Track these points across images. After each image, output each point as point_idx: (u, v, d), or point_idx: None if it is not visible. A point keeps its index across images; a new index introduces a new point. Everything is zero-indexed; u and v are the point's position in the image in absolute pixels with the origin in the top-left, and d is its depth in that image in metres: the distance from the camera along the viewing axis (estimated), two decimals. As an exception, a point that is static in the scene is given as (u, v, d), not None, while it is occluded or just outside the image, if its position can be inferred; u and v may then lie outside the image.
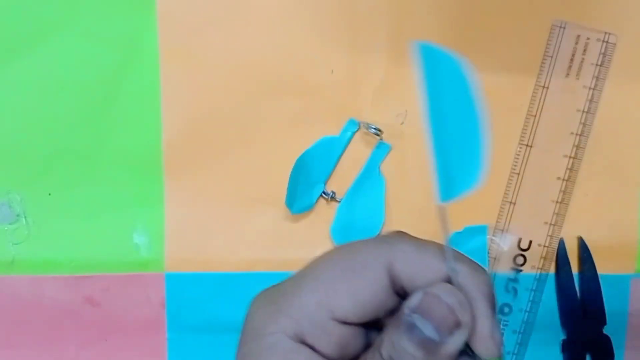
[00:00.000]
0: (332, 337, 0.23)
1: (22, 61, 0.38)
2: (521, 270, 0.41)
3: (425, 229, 0.40)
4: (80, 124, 0.39)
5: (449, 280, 0.23)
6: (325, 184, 0.40)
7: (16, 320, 0.40)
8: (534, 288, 0.41)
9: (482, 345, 0.22)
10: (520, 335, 0.42)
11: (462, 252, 0.24)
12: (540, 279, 0.41)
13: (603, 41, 0.39)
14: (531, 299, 0.41)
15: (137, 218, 0.39)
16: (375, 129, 0.39)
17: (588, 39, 0.39)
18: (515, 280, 0.41)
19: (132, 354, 0.40)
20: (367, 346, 0.25)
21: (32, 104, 0.39)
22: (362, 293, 0.23)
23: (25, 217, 0.39)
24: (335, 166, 0.40)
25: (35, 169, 0.39)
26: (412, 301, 0.22)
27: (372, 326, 0.25)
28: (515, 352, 0.42)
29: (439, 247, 0.24)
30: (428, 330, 0.22)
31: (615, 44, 0.39)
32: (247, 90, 0.39)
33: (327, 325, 0.23)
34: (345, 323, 0.24)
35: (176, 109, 0.39)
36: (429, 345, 0.22)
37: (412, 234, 0.40)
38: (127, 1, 0.38)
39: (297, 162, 0.39)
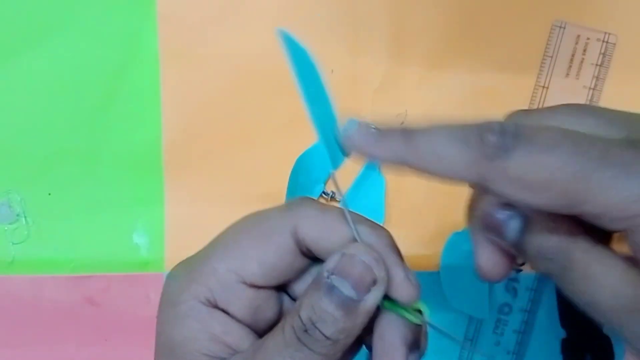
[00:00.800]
0: (243, 301, 0.25)
1: (22, 61, 0.38)
2: (521, 270, 0.41)
3: (426, 228, 0.41)
4: (81, 124, 0.39)
5: (351, 241, 0.24)
6: (325, 184, 0.40)
7: (16, 320, 0.40)
8: (534, 288, 0.41)
9: (401, 292, 0.24)
10: (520, 335, 0.42)
11: (360, 214, 0.26)
12: (541, 279, 0.41)
13: (603, 41, 0.39)
14: (531, 298, 0.41)
15: (137, 218, 0.40)
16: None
17: (588, 39, 0.39)
18: (515, 280, 0.41)
19: (132, 353, 0.40)
20: (282, 310, 0.26)
21: (33, 104, 0.39)
22: (269, 257, 0.25)
23: (25, 217, 0.39)
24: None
25: (35, 169, 0.39)
26: (330, 263, 0.23)
27: (284, 290, 0.27)
28: (516, 351, 0.42)
29: (340, 210, 0.25)
30: (347, 290, 0.22)
31: (615, 44, 0.39)
32: (247, 90, 0.39)
33: (237, 289, 0.24)
34: (255, 287, 0.25)
35: (176, 109, 0.39)
36: (348, 304, 0.22)
37: (412, 233, 0.41)
38: (127, 1, 0.38)
39: (297, 162, 0.39)
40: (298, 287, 0.27)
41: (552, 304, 0.42)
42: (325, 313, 0.22)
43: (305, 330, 0.22)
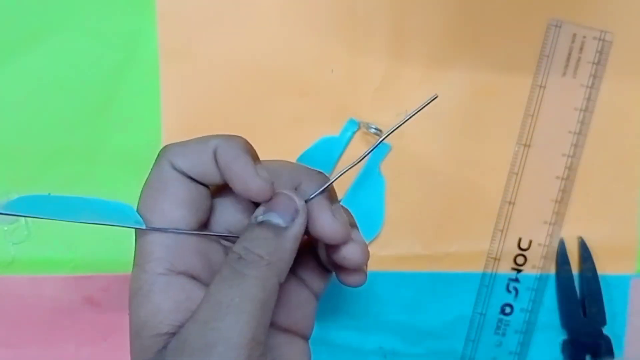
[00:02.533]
0: (195, 254, 0.27)
1: (22, 60, 0.38)
2: (522, 270, 0.41)
3: (425, 228, 0.41)
4: (80, 124, 0.39)
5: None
6: (325, 184, 0.40)
7: (16, 320, 0.39)
8: (534, 287, 0.41)
9: (325, 231, 0.26)
10: (522, 335, 0.41)
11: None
12: (541, 279, 0.41)
13: (599, 39, 0.40)
14: (532, 298, 0.41)
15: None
16: (375, 129, 0.39)
17: (584, 37, 0.40)
18: (516, 280, 0.41)
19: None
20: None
21: (32, 104, 0.39)
22: (198, 206, 0.27)
23: (25, 217, 0.39)
24: (335, 166, 0.40)
25: (35, 169, 0.39)
26: (258, 210, 0.26)
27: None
28: (518, 351, 0.42)
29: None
30: (275, 219, 0.26)
31: (611, 41, 0.40)
32: (247, 90, 0.39)
33: (185, 244, 0.27)
34: (200, 226, 0.27)
35: (176, 109, 0.39)
36: (277, 229, 0.26)
37: (412, 233, 0.41)
38: (127, 1, 0.38)
39: (297, 161, 0.39)
40: None
41: (553, 304, 0.42)
42: (257, 238, 0.25)
43: (240, 257, 0.25)
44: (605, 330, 0.41)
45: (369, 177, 0.40)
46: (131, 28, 0.39)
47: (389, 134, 0.29)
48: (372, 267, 0.40)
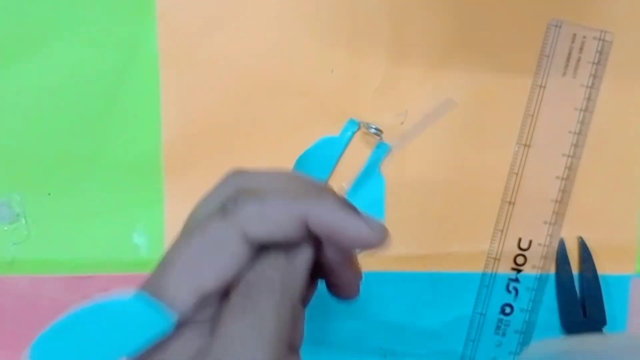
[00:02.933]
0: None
1: (23, 64, 0.38)
2: (521, 270, 0.41)
3: (425, 228, 0.41)
4: (81, 125, 0.39)
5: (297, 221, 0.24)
6: (325, 183, 0.40)
7: (16, 320, 0.39)
8: (534, 287, 0.41)
9: (362, 237, 0.24)
10: (522, 335, 0.41)
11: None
12: (541, 279, 0.41)
13: (599, 39, 0.40)
14: (532, 298, 0.41)
15: (137, 218, 0.39)
16: (375, 129, 0.39)
17: (584, 37, 0.40)
18: (516, 280, 0.41)
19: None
20: None
21: (33, 106, 0.39)
22: (226, 268, 0.24)
23: (25, 217, 0.39)
24: (335, 166, 0.40)
25: (35, 170, 0.39)
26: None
27: None
28: (518, 352, 0.42)
29: (281, 196, 0.25)
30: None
31: (611, 41, 0.40)
32: (246, 91, 0.39)
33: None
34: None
35: (176, 111, 0.39)
36: (288, 251, 0.24)
37: (412, 233, 0.41)
38: (127, 5, 0.38)
39: (297, 162, 0.39)
40: None
41: (553, 304, 0.42)
42: (269, 260, 0.23)
43: (250, 283, 0.23)
44: (605, 330, 0.41)
45: (369, 177, 0.40)
46: (131, 32, 0.39)
47: (406, 141, 0.28)
48: (372, 267, 0.40)
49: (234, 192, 0.25)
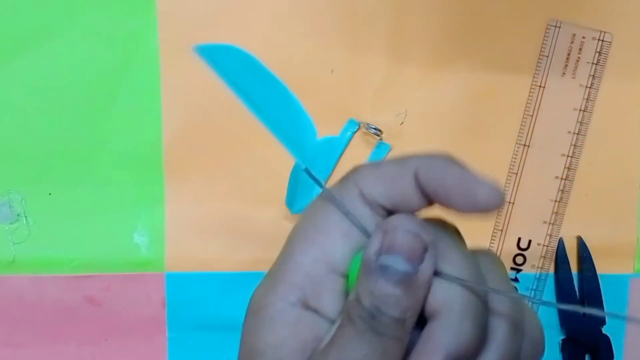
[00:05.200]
0: (335, 294, 0.23)
1: (22, 61, 0.38)
2: (521, 270, 0.41)
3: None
4: (81, 124, 0.39)
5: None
6: (325, 184, 0.40)
7: (17, 319, 0.39)
8: (534, 287, 0.41)
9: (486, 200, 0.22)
10: (521, 335, 0.41)
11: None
12: (540, 279, 0.41)
13: (598, 39, 0.40)
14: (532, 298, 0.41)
15: (138, 218, 0.39)
16: (375, 129, 0.39)
17: (583, 37, 0.40)
18: (515, 279, 0.41)
19: (133, 353, 0.40)
20: None
21: (33, 104, 0.39)
22: (353, 234, 0.23)
23: (25, 216, 0.39)
24: (335, 166, 0.40)
25: (36, 169, 0.39)
26: (374, 245, 0.21)
27: None
28: (516, 351, 0.42)
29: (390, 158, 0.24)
30: (401, 265, 0.21)
31: (610, 42, 0.40)
32: (247, 90, 0.39)
33: (329, 280, 0.22)
34: (346, 276, 0.23)
35: (176, 109, 0.39)
36: (406, 280, 0.21)
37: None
38: (128, 1, 0.38)
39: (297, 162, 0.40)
40: None
41: (552, 303, 0.42)
42: (386, 295, 0.21)
43: (373, 317, 0.21)
44: (605, 330, 0.41)
45: (369, 177, 0.40)
46: (132, 28, 0.39)
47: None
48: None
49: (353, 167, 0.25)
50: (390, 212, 0.23)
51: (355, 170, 0.24)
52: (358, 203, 0.23)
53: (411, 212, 0.23)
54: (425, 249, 0.21)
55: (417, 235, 0.21)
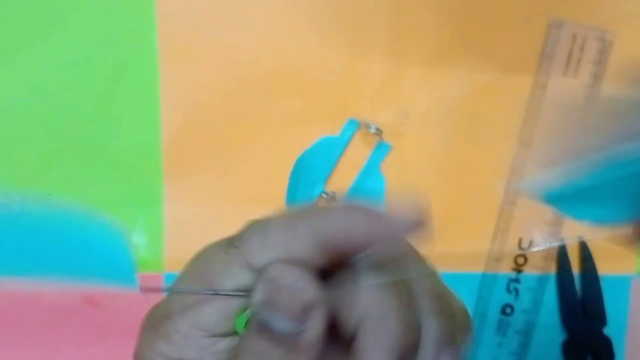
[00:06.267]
0: (214, 355, 0.21)
1: (21, 60, 0.38)
2: (522, 271, 0.41)
3: (426, 228, 0.41)
4: (80, 124, 0.39)
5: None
6: (325, 184, 0.40)
7: (16, 320, 0.39)
8: (535, 288, 0.41)
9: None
10: (522, 336, 0.41)
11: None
12: (542, 279, 0.41)
13: (600, 39, 0.40)
14: (533, 299, 0.41)
15: (136, 218, 0.39)
16: (375, 129, 0.39)
17: (585, 37, 0.40)
18: (516, 280, 0.41)
19: (132, 354, 0.40)
20: None
21: (31, 104, 0.39)
22: (228, 304, 0.21)
23: (24, 217, 0.39)
24: (335, 166, 0.40)
25: (34, 168, 0.39)
26: (256, 295, 0.20)
27: None
28: (518, 352, 0.41)
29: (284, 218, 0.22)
30: (281, 324, 0.19)
31: (612, 41, 0.40)
32: (246, 89, 0.39)
33: (204, 343, 0.22)
34: (224, 335, 0.22)
35: (175, 109, 0.39)
36: (286, 341, 0.19)
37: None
38: (127, 0, 0.38)
39: (297, 162, 0.39)
40: None
41: (553, 304, 0.42)
42: (268, 356, 0.19)
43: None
44: (606, 331, 0.41)
45: (369, 177, 0.40)
46: (131, 28, 0.39)
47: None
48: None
49: (243, 227, 0.23)
50: None
51: (242, 238, 0.22)
52: (244, 274, 0.21)
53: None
54: (309, 308, 0.19)
55: (298, 292, 0.19)
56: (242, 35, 0.39)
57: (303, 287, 0.19)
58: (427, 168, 0.40)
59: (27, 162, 0.39)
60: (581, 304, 0.41)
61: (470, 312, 0.41)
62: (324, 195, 0.40)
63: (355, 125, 0.40)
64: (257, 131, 0.40)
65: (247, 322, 0.21)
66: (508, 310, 0.41)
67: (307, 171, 0.40)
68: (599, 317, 0.41)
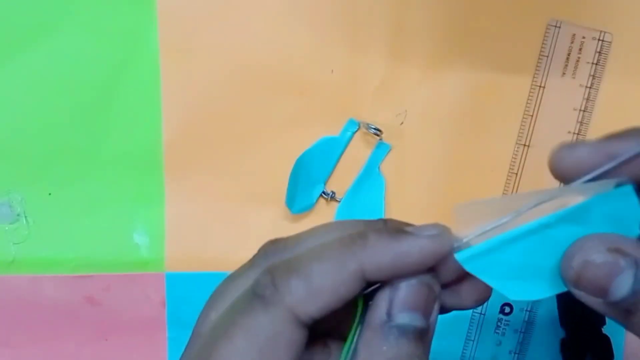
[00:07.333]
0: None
1: (21, 59, 0.38)
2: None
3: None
4: (81, 123, 0.39)
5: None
6: (325, 184, 0.40)
7: (16, 319, 0.39)
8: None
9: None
10: (522, 335, 0.42)
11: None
12: (540, 278, 0.41)
13: (599, 39, 0.40)
14: (531, 298, 0.41)
15: (138, 217, 0.39)
16: (375, 129, 0.39)
17: (583, 37, 0.40)
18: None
19: (133, 353, 0.40)
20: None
21: (32, 103, 0.39)
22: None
23: (25, 216, 0.39)
24: (335, 166, 0.40)
25: (36, 169, 0.39)
26: (381, 307, 0.20)
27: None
28: (517, 351, 0.42)
29: (325, 261, 0.21)
30: (418, 321, 0.20)
31: (610, 42, 0.40)
32: (247, 89, 0.39)
33: None
34: None
35: (176, 108, 0.39)
36: (421, 337, 0.20)
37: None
38: (127, 0, 0.38)
39: (297, 162, 0.39)
40: None
41: (552, 303, 0.42)
42: (402, 352, 0.20)
43: None
44: (605, 330, 0.41)
45: (369, 177, 0.40)
46: (132, 26, 0.38)
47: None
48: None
49: (267, 273, 0.21)
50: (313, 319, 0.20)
51: (283, 288, 0.20)
52: (291, 332, 0.20)
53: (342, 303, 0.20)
54: (435, 299, 0.21)
55: (431, 287, 0.21)
56: (243, 35, 0.39)
57: (433, 285, 0.21)
58: (427, 168, 0.41)
59: (28, 162, 0.39)
60: (580, 303, 0.41)
61: (470, 311, 0.42)
62: (323, 195, 0.40)
63: (355, 125, 0.40)
64: (257, 131, 0.40)
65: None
66: (507, 309, 0.41)
67: (307, 171, 0.40)
68: (598, 316, 0.41)
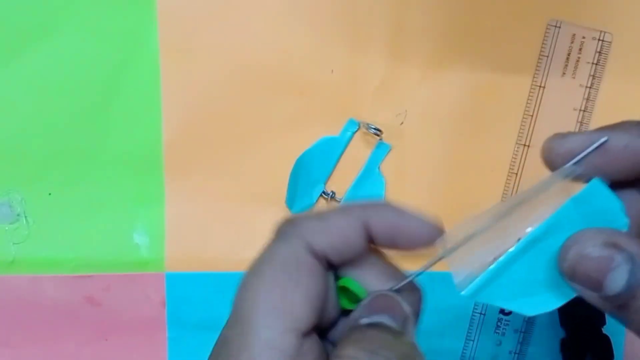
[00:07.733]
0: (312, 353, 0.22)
1: (22, 60, 0.38)
2: (521, 270, 0.41)
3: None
4: (81, 123, 0.39)
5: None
6: (325, 184, 0.40)
7: (16, 319, 0.39)
8: (534, 287, 0.41)
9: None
10: (522, 335, 0.42)
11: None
12: (540, 278, 0.41)
13: (599, 39, 0.40)
14: (531, 298, 0.41)
15: (138, 218, 0.39)
16: (375, 129, 0.39)
17: (583, 37, 0.40)
18: (515, 280, 0.41)
19: (133, 353, 0.40)
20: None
21: (32, 103, 0.39)
22: (310, 291, 0.22)
23: (25, 216, 0.39)
24: (335, 166, 0.40)
25: (36, 169, 0.39)
26: (359, 311, 0.23)
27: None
28: (517, 351, 0.42)
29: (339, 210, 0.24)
30: (388, 321, 0.22)
31: (610, 42, 0.40)
32: (247, 89, 0.39)
33: (298, 345, 0.22)
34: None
35: (176, 108, 0.39)
36: (395, 334, 0.22)
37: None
38: (128, 0, 0.38)
39: (297, 162, 0.40)
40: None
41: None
42: (379, 340, 0.21)
43: None
44: (605, 330, 0.41)
45: (369, 177, 0.40)
46: (132, 26, 0.39)
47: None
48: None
49: (285, 220, 0.24)
50: (330, 262, 0.23)
51: (300, 224, 0.23)
52: (308, 258, 0.22)
53: (352, 256, 0.23)
54: (407, 318, 0.23)
55: (399, 303, 0.23)
56: (243, 35, 0.39)
57: (402, 304, 0.23)
58: (427, 168, 0.41)
59: (29, 162, 0.39)
60: (580, 303, 0.41)
61: (470, 311, 0.42)
62: (323, 195, 0.40)
63: (355, 125, 0.40)
64: (257, 131, 0.40)
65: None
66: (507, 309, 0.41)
67: (307, 171, 0.40)
68: (598, 317, 0.41)
